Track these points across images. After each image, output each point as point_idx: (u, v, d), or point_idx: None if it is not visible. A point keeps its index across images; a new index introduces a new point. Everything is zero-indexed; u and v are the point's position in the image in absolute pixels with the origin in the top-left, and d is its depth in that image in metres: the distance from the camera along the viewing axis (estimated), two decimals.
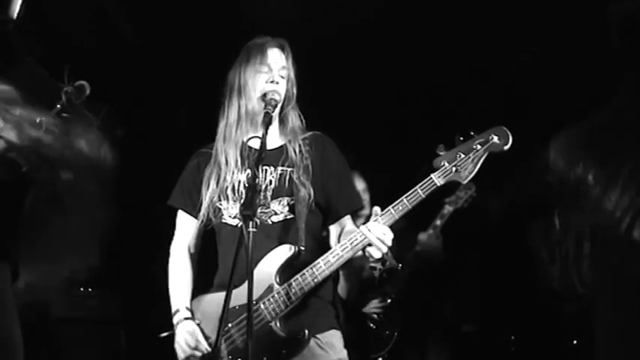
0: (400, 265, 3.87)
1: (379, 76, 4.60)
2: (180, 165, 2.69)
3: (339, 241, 2.38)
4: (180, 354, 2.34)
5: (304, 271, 2.26)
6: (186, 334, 2.34)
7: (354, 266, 3.85)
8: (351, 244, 2.25)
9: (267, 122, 2.30)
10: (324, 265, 2.25)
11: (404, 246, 3.87)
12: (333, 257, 2.25)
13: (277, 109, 2.47)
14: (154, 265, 2.96)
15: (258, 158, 2.17)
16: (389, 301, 3.80)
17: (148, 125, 5.11)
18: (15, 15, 2.38)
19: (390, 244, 2.22)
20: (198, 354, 2.31)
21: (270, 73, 2.43)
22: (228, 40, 4.04)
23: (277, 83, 2.42)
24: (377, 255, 2.23)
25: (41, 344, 4.08)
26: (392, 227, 3.85)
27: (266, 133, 2.25)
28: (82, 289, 4.74)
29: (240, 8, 4.15)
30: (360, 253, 2.28)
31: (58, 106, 2.50)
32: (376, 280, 3.88)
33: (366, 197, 3.92)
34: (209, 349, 2.30)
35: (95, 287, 4.80)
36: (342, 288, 3.86)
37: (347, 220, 2.50)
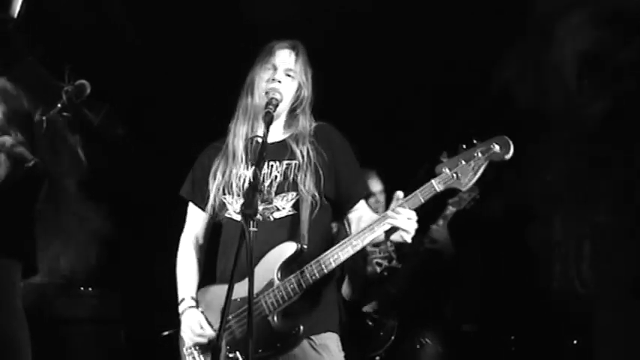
0: (401, 264, 3.87)
1: (379, 76, 4.60)
2: (182, 164, 2.70)
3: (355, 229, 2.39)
4: (187, 341, 2.38)
5: (305, 267, 2.27)
6: (192, 322, 2.37)
7: (360, 262, 3.84)
8: (371, 230, 2.25)
9: (267, 121, 2.30)
10: (332, 259, 2.26)
11: (407, 246, 3.86)
12: (352, 244, 2.26)
13: (284, 107, 2.48)
14: (155, 265, 2.97)
15: (259, 157, 2.17)
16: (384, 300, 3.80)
17: (149, 125, 5.11)
18: (16, 14, 2.38)
19: (415, 227, 2.24)
20: (204, 340, 2.34)
21: (275, 73, 2.45)
22: (228, 40, 4.07)
23: (280, 82, 2.43)
24: (406, 238, 2.24)
25: (41, 343, 4.08)
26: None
27: (267, 131, 2.26)
28: (82, 288, 4.75)
29: (240, 8, 4.15)
30: (382, 238, 2.29)
31: (59, 105, 2.51)
32: (378, 277, 3.88)
33: (381, 199, 3.92)
34: (214, 333, 2.33)
35: (95, 287, 4.80)
36: (345, 289, 3.86)
37: (364, 206, 2.50)
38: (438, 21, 4.14)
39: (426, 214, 3.85)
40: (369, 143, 4.16)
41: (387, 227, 2.23)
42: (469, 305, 4.69)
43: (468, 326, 4.67)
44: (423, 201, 2.24)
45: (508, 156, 2.24)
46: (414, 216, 2.22)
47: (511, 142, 2.24)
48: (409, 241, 2.26)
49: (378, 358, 3.74)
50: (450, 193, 3.82)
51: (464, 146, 2.29)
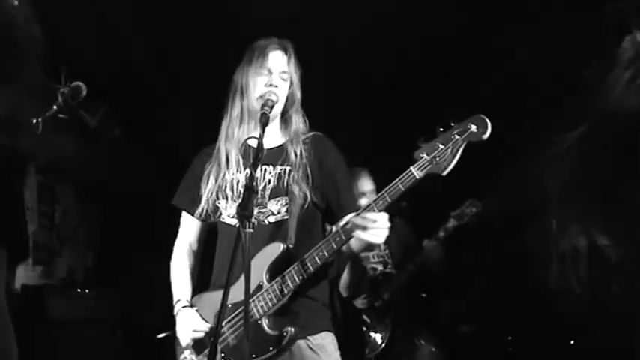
0: (395, 270, 3.87)
1: (378, 74, 4.60)
2: (180, 164, 2.69)
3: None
4: (184, 339, 2.37)
5: (291, 267, 2.26)
6: (187, 319, 2.37)
7: (357, 265, 3.84)
8: (333, 238, 2.23)
9: (263, 122, 2.28)
10: (308, 262, 2.24)
11: (407, 254, 3.88)
12: (317, 253, 2.24)
13: (278, 110, 2.48)
14: (152, 266, 2.96)
15: (255, 159, 2.16)
16: (378, 303, 3.80)
17: (147, 125, 5.10)
18: None
19: (384, 232, 2.18)
20: (201, 335, 2.33)
21: (270, 76, 2.45)
22: (229, 39, 4.05)
23: (276, 86, 2.43)
24: (373, 240, 2.18)
25: (39, 345, 4.07)
26: (397, 237, 3.88)
27: (263, 133, 2.24)
28: (79, 289, 4.74)
29: (240, 8, 4.14)
30: (355, 246, 2.28)
31: (55, 107, 2.50)
32: (372, 281, 3.88)
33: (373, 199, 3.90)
34: (208, 329, 2.33)
35: (92, 288, 4.80)
36: (343, 285, 3.84)
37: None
38: (437, 20, 4.14)
39: (427, 225, 3.90)
40: (361, 143, 4.18)
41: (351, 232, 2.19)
42: (467, 305, 4.69)
43: (465, 326, 4.68)
44: (403, 189, 2.18)
45: (486, 136, 2.15)
46: (380, 217, 2.17)
47: (488, 121, 2.16)
48: (375, 241, 2.19)
49: None
50: (452, 205, 3.86)
51: (441, 129, 2.22)
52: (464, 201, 3.89)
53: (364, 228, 2.16)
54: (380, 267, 3.90)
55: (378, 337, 3.74)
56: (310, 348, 2.32)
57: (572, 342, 4.18)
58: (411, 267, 3.80)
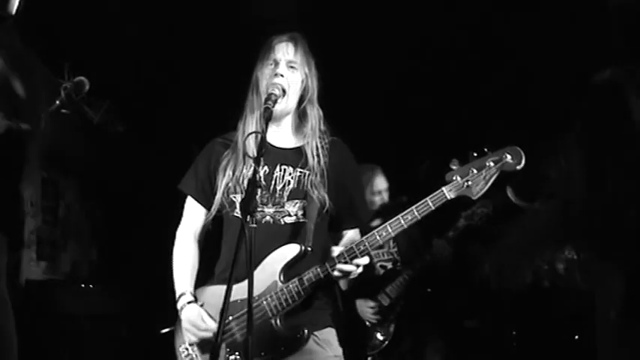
0: (403, 268, 3.88)
1: (381, 72, 4.60)
2: (183, 160, 2.69)
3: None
4: (190, 337, 2.35)
5: (310, 271, 2.27)
6: (194, 317, 2.35)
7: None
8: (357, 246, 2.27)
9: (267, 117, 2.28)
10: (329, 268, 2.27)
11: (413, 252, 3.88)
12: (340, 260, 2.28)
13: (292, 103, 2.47)
14: (156, 262, 2.96)
15: (257, 154, 2.16)
16: (384, 303, 3.80)
17: (150, 122, 5.11)
18: (14, 11, 2.37)
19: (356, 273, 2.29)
20: (209, 334, 2.31)
21: (277, 67, 2.43)
22: (230, 36, 4.06)
23: (282, 76, 2.41)
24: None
25: (43, 340, 4.09)
26: (406, 234, 3.90)
27: (266, 128, 2.24)
28: (83, 284, 4.76)
29: (241, 6, 4.14)
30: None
31: (57, 102, 2.50)
32: (379, 279, 3.88)
33: (386, 197, 3.93)
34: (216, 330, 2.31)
35: (96, 283, 4.81)
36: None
37: (356, 232, 2.51)
38: (443, 17, 4.13)
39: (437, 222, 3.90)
40: (372, 141, 4.17)
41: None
42: (471, 301, 4.69)
43: (470, 322, 4.68)
44: (433, 208, 2.23)
45: (520, 167, 2.23)
46: (354, 269, 2.27)
47: (523, 153, 2.23)
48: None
49: (370, 358, 3.75)
50: (463, 205, 3.86)
51: (474, 154, 2.27)
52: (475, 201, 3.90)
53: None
54: (389, 265, 3.90)
55: (381, 333, 3.75)
56: (317, 343, 2.34)
57: (576, 337, 4.18)
58: (418, 265, 3.81)
